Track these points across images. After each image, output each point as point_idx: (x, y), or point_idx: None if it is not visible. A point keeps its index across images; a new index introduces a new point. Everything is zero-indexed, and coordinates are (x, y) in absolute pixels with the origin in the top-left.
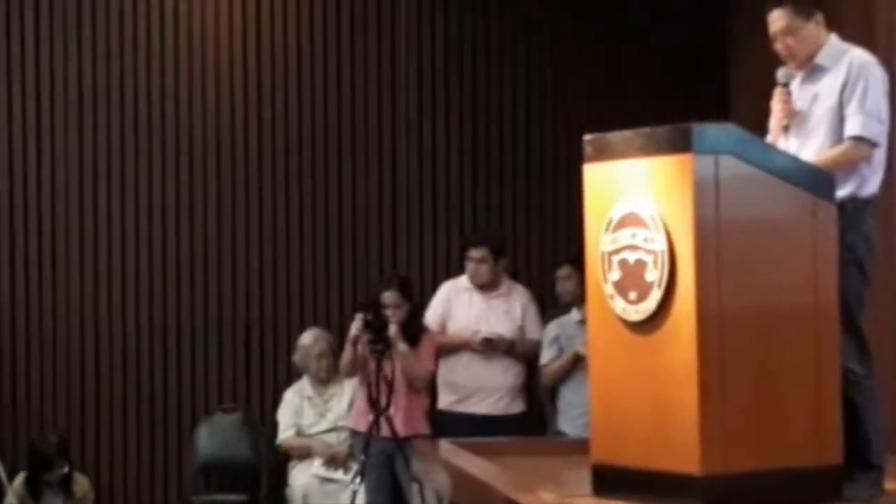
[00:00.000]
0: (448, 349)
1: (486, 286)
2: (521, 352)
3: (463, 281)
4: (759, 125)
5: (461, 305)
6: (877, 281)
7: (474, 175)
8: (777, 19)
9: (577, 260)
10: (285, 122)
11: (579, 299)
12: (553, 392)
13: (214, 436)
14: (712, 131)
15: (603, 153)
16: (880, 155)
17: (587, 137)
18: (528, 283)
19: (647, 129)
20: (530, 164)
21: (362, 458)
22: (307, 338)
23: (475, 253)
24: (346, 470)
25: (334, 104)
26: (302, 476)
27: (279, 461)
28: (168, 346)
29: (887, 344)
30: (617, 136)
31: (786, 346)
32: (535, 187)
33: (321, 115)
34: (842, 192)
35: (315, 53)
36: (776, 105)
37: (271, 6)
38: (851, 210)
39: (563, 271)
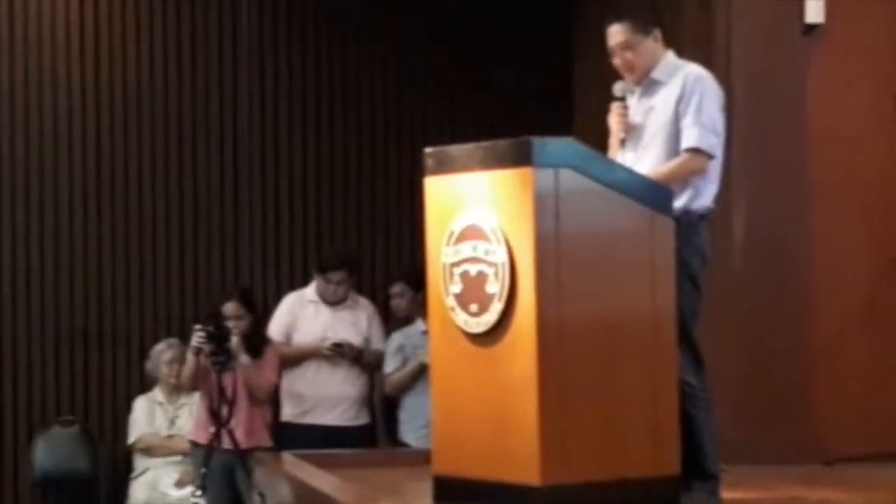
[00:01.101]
0: (293, 360)
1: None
2: (367, 361)
3: (308, 293)
4: (601, 139)
5: (307, 317)
6: (714, 294)
7: (318, 185)
8: (616, 34)
9: (409, 277)
10: (124, 132)
11: (415, 314)
12: (395, 403)
13: (52, 449)
14: (552, 145)
15: (444, 166)
16: (715, 168)
17: (428, 150)
18: (373, 294)
19: (487, 143)
20: (374, 175)
21: (203, 470)
22: (160, 345)
23: (335, 276)
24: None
25: (175, 112)
26: (142, 490)
27: (119, 475)
28: (3, 357)
29: (724, 357)
30: (458, 150)
31: (624, 358)
32: (379, 198)
33: (161, 122)
34: (676, 203)
35: (154, 58)
36: (613, 119)
37: (109, 15)
38: (685, 223)
39: (396, 288)
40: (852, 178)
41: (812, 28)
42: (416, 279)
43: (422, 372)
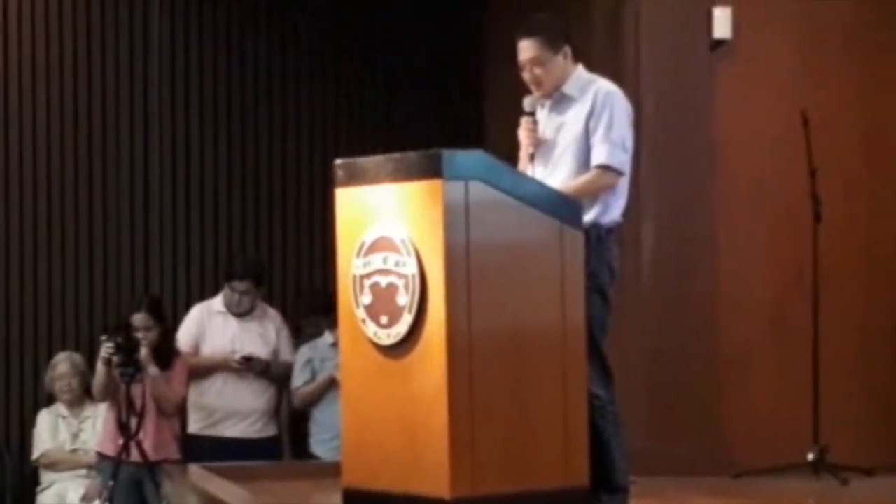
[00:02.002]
0: (202, 372)
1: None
2: (275, 373)
3: (216, 304)
4: (513, 152)
5: (215, 328)
6: (623, 307)
7: (229, 195)
8: (526, 49)
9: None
10: (33, 139)
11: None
12: (306, 415)
13: None
14: (462, 158)
15: (354, 178)
16: (624, 183)
17: (338, 162)
18: (284, 305)
19: (398, 155)
20: (286, 186)
21: (111, 483)
22: (56, 358)
23: (240, 286)
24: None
25: (84, 121)
26: (50, 502)
27: (26, 488)
28: None
29: (633, 369)
30: (368, 161)
31: (534, 370)
32: (291, 209)
33: (70, 130)
34: (585, 218)
35: (64, 64)
36: (522, 133)
37: (19, 4)
38: (594, 236)
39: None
40: (759, 191)
41: (719, 43)
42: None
43: (331, 385)
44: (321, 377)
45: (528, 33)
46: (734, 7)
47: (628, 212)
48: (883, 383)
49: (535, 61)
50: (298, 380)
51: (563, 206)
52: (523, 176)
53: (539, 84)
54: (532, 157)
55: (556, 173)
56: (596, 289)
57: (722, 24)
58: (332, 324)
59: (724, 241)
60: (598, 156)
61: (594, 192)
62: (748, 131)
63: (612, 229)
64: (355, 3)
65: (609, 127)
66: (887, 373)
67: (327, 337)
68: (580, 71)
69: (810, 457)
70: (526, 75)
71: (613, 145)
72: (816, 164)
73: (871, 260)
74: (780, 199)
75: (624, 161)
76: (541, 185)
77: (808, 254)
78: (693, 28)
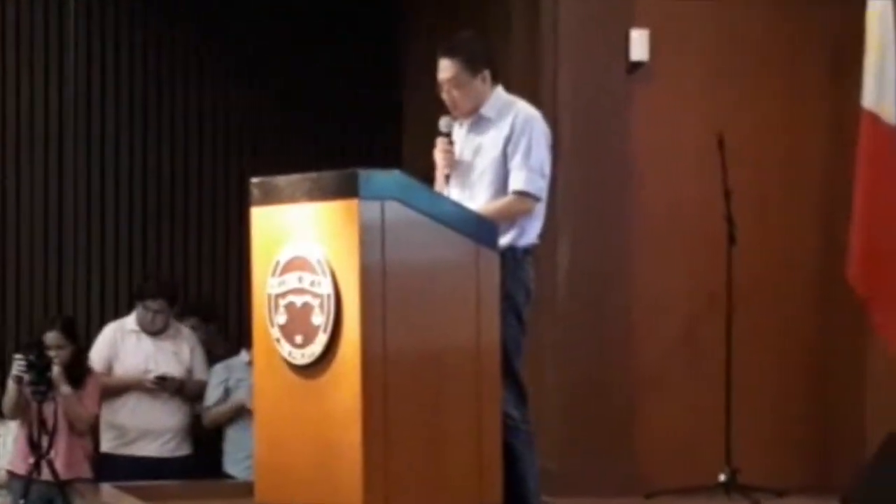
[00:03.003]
0: (115, 391)
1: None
2: (189, 392)
3: (129, 322)
4: (430, 172)
5: (128, 347)
6: (539, 327)
7: (144, 213)
8: (445, 69)
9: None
10: None
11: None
12: (219, 433)
13: None
14: (379, 177)
15: (270, 196)
16: (541, 207)
17: (254, 180)
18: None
19: (314, 174)
20: (202, 204)
21: (21, 502)
22: None
23: (153, 304)
24: None
25: None
26: None
27: None
28: None
29: (547, 389)
30: (284, 180)
31: (448, 390)
32: (206, 227)
33: None
34: (502, 241)
35: None
36: (438, 154)
37: None
38: (510, 258)
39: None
40: (675, 213)
41: (637, 66)
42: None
43: (241, 412)
44: (233, 399)
45: (449, 53)
46: (651, 29)
47: (544, 233)
48: (795, 405)
49: (454, 82)
50: (210, 398)
51: (479, 227)
52: (440, 196)
53: (455, 105)
54: (448, 179)
55: (474, 196)
56: (512, 309)
57: (639, 46)
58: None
59: (639, 263)
60: (516, 182)
61: (511, 218)
62: (665, 153)
63: (528, 250)
64: (273, 21)
65: (527, 153)
66: (800, 395)
67: (243, 355)
68: (499, 93)
69: (722, 478)
70: (444, 95)
71: (531, 171)
72: (732, 186)
73: (785, 282)
74: (696, 221)
75: (541, 187)
76: (457, 205)
77: (723, 275)
78: (610, 50)
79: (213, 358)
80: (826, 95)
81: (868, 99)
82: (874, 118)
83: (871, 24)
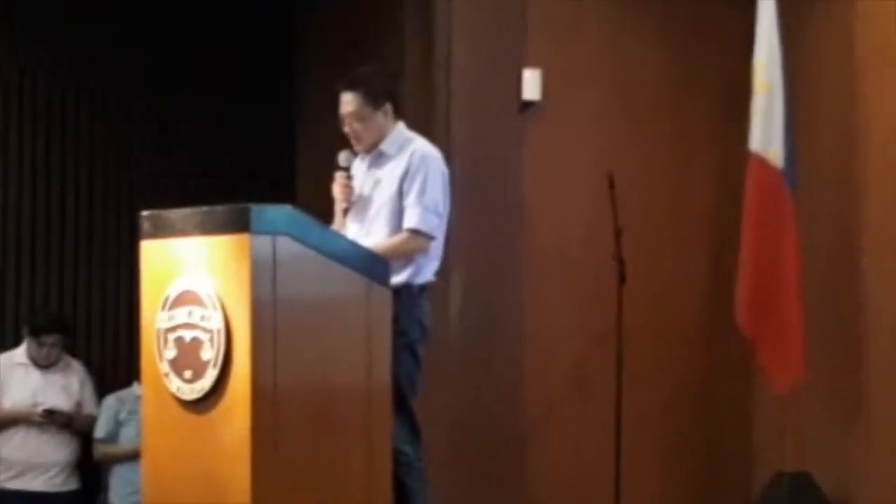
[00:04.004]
0: (2, 424)
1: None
2: (78, 426)
3: (18, 355)
4: (325, 207)
5: (16, 380)
6: (431, 364)
7: (32, 245)
8: (347, 103)
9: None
10: None
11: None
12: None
13: None
14: (271, 212)
15: (160, 230)
16: (437, 245)
17: (144, 214)
18: (88, 357)
19: (205, 208)
20: (92, 236)
21: None
22: None
23: (48, 339)
24: None
25: None
26: None
27: None
28: None
29: (440, 426)
30: (175, 214)
31: (339, 426)
32: (97, 261)
33: None
34: (397, 278)
35: None
36: (336, 189)
37: None
38: (406, 296)
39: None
40: (566, 251)
41: (529, 105)
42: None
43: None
44: (128, 446)
45: (350, 86)
46: (544, 69)
47: (441, 270)
48: (683, 443)
49: (356, 115)
50: (101, 430)
51: (371, 264)
52: (332, 232)
53: (358, 139)
54: (346, 213)
55: (371, 232)
56: (406, 346)
57: (531, 85)
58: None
59: (530, 301)
60: (410, 219)
61: (404, 256)
62: (556, 192)
63: (424, 288)
64: (165, 54)
65: (422, 191)
66: (687, 433)
67: (135, 388)
68: (400, 129)
69: None
70: (345, 129)
71: (425, 209)
72: (622, 226)
73: (674, 322)
74: (587, 260)
75: (436, 226)
76: (349, 241)
77: (613, 314)
78: (503, 89)
79: None
80: (715, 138)
81: (756, 143)
82: (762, 162)
83: (758, 69)
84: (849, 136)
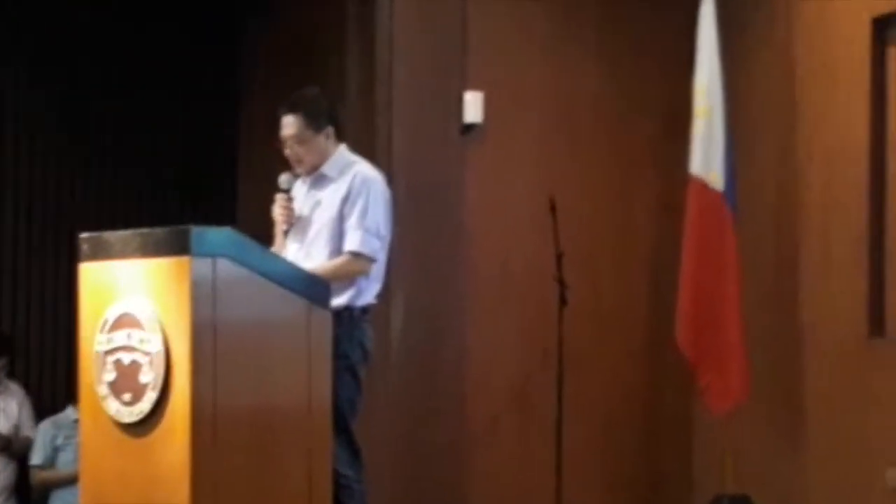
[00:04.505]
0: None
1: None
2: (16, 449)
3: None
4: (265, 229)
5: None
6: (372, 385)
7: None
8: (288, 125)
9: None
10: None
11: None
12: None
13: None
14: (211, 235)
15: (100, 252)
16: (379, 267)
17: (83, 236)
18: (26, 380)
19: (145, 230)
20: (31, 258)
21: None
22: None
23: None
24: None
25: None
26: None
27: None
28: None
29: (381, 448)
30: (114, 236)
31: (280, 448)
32: (35, 282)
33: None
34: (338, 301)
35: None
36: (277, 210)
37: None
38: (347, 318)
39: None
40: (507, 273)
41: (470, 127)
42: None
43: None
44: (66, 471)
45: (292, 109)
46: (485, 91)
47: (382, 292)
48: (624, 464)
49: (297, 138)
50: (37, 457)
51: (311, 286)
52: (272, 254)
53: (300, 161)
54: (286, 235)
55: (311, 254)
56: (347, 369)
57: (472, 108)
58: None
59: (472, 322)
60: (351, 242)
61: (346, 278)
62: (498, 214)
63: (366, 310)
64: (107, 73)
65: (363, 213)
66: (628, 454)
67: (70, 412)
68: (342, 151)
69: None
70: (287, 151)
71: (367, 232)
72: (564, 248)
73: (615, 343)
74: (528, 281)
75: (377, 248)
76: (289, 264)
77: (554, 335)
78: (444, 111)
79: None
80: (656, 161)
81: (696, 166)
82: (702, 185)
83: (699, 93)
84: (789, 158)
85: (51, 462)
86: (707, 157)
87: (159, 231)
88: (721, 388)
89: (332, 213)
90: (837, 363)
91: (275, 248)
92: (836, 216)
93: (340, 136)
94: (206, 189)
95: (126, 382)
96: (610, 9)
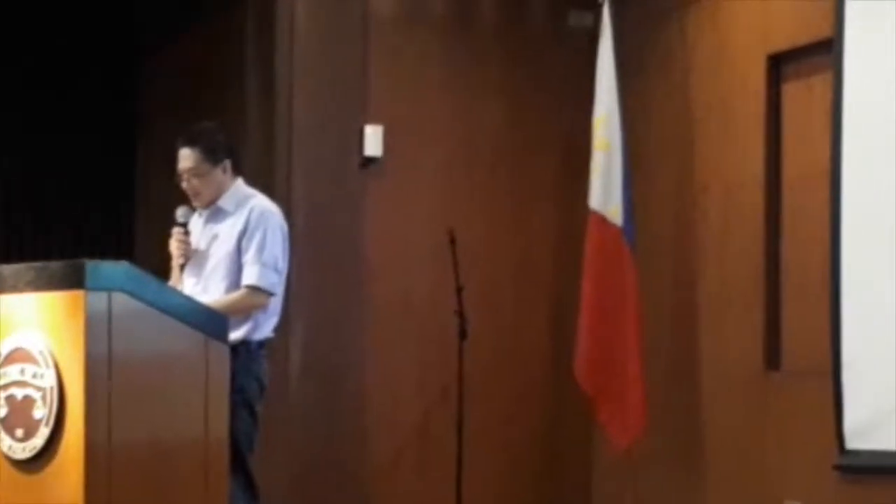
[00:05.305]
0: None
1: None
2: None
3: None
4: (162, 262)
5: None
6: (271, 419)
7: None
8: (186, 158)
9: None
10: None
11: None
12: None
13: None
14: (106, 268)
15: None
16: (276, 301)
17: None
18: None
19: (39, 264)
20: None
21: None
22: None
23: None
24: None
25: None
26: None
27: None
28: None
29: (280, 482)
30: (8, 269)
31: (175, 483)
32: None
33: None
34: (235, 334)
35: None
36: (174, 244)
37: None
38: (244, 352)
39: None
40: (408, 307)
41: (371, 161)
42: None
43: None
44: None
45: (189, 142)
46: (385, 125)
47: (279, 326)
48: (523, 497)
49: (194, 171)
50: None
51: (209, 320)
52: (168, 288)
53: (196, 195)
54: (182, 268)
55: (208, 288)
56: (244, 403)
57: (373, 141)
58: None
59: (372, 355)
60: (249, 276)
61: (243, 312)
62: (398, 247)
63: (263, 344)
64: (2, 104)
65: (261, 248)
66: (528, 487)
67: None
68: (239, 185)
69: None
70: (184, 184)
71: (265, 266)
72: (464, 282)
73: (515, 376)
74: (428, 315)
75: (275, 282)
76: (186, 298)
77: (454, 368)
78: (344, 144)
79: None
80: (556, 195)
81: (595, 200)
82: (601, 219)
83: (598, 127)
84: (686, 192)
85: None
86: (606, 192)
87: (54, 265)
88: (620, 422)
89: (230, 247)
90: (735, 396)
91: (171, 283)
92: (732, 250)
93: (238, 170)
94: (103, 222)
95: (19, 418)
96: (510, 45)
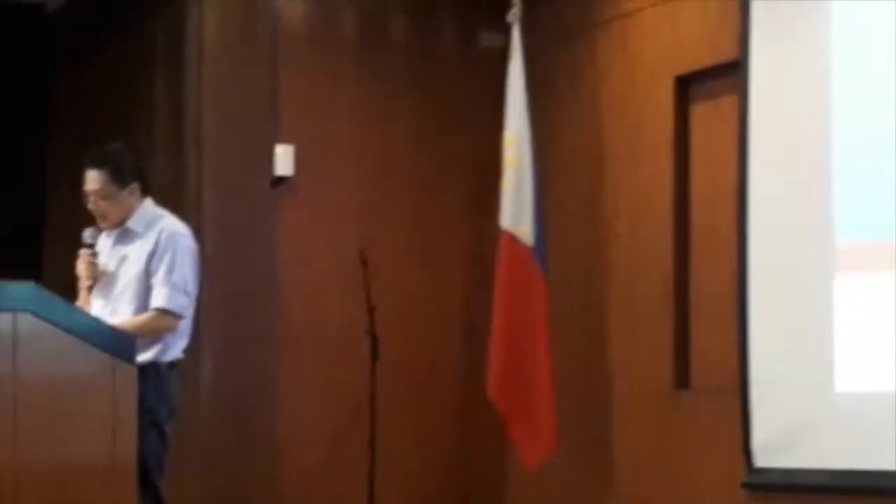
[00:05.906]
0: None
1: None
2: None
3: None
4: (70, 283)
5: None
6: (181, 441)
7: None
8: (92, 180)
9: None
10: None
11: None
12: None
13: None
14: (11, 289)
15: None
16: (186, 322)
17: None
18: None
19: None
20: None
21: None
22: None
23: None
24: None
25: None
26: None
27: None
28: None
29: (192, 503)
30: None
31: None
32: None
33: None
34: (144, 356)
35: None
36: (81, 266)
37: None
38: (153, 374)
39: None
40: (319, 328)
41: (281, 180)
42: None
43: None
44: None
45: (96, 164)
46: (296, 144)
47: (189, 348)
48: None
49: (101, 193)
50: None
51: (116, 341)
52: (75, 309)
53: (103, 216)
54: (90, 290)
55: (116, 310)
56: (153, 424)
57: (283, 161)
58: None
59: (284, 377)
60: (157, 298)
61: (152, 334)
62: (309, 268)
63: (173, 365)
64: None
65: (170, 269)
66: None
67: None
68: (148, 206)
69: None
70: (91, 206)
71: (174, 288)
72: (375, 302)
73: (428, 397)
74: (340, 336)
75: (184, 305)
76: (93, 319)
77: (367, 389)
78: (255, 164)
79: None
80: (467, 215)
81: (506, 220)
82: (512, 239)
83: (509, 145)
84: (596, 212)
85: None
86: (517, 211)
87: None
88: (532, 441)
89: (139, 268)
90: (645, 415)
91: (79, 304)
92: (641, 270)
93: (146, 191)
94: (10, 242)
95: None
96: (421, 64)
